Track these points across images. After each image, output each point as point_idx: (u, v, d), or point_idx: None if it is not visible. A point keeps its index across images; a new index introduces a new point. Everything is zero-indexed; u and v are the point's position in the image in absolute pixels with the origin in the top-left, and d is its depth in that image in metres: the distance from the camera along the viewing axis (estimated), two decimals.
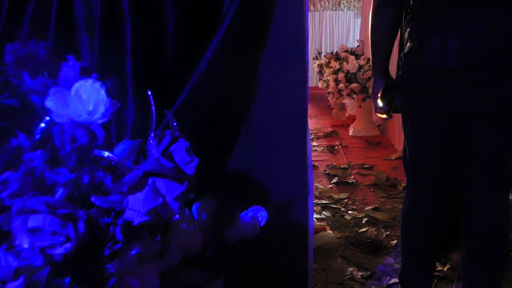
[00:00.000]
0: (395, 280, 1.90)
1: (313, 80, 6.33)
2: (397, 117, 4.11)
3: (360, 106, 4.43)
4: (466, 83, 1.35)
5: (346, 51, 4.81)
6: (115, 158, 0.69)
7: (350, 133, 4.49)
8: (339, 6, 8.00)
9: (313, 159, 1.36)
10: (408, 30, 1.44)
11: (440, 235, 1.61)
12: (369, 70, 4.20)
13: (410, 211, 1.61)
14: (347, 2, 7.92)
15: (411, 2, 1.44)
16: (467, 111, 1.38)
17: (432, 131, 1.47)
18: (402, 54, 1.48)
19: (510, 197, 1.61)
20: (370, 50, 1.57)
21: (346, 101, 4.74)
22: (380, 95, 1.55)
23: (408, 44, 1.44)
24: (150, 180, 0.66)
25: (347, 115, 5.00)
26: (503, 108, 1.35)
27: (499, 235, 1.48)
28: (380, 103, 1.56)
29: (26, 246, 0.60)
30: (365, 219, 2.51)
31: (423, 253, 1.62)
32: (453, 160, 1.50)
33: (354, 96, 4.37)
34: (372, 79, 1.61)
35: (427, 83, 1.40)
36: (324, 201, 2.77)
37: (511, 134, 1.39)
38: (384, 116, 1.60)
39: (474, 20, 1.30)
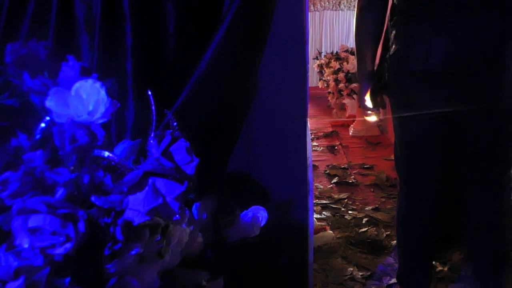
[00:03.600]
0: (395, 280, 1.90)
1: (313, 80, 6.33)
2: None
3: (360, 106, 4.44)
4: (453, 87, 1.35)
5: (346, 51, 4.81)
6: (115, 158, 0.69)
7: (350, 133, 4.49)
8: (339, 6, 8.00)
9: (313, 159, 1.37)
10: (393, 32, 1.45)
11: (436, 235, 1.62)
12: None
13: (404, 212, 1.61)
14: (347, 2, 7.92)
15: (395, 3, 1.44)
16: (455, 112, 1.39)
17: (422, 132, 1.48)
18: (387, 56, 1.48)
19: None
20: (355, 53, 1.58)
21: (346, 101, 4.74)
22: (367, 97, 1.56)
23: (394, 46, 1.44)
24: (150, 180, 0.66)
25: (347, 115, 5.00)
26: (491, 109, 1.36)
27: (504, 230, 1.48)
28: (368, 105, 1.57)
29: (26, 246, 0.60)
30: (365, 219, 2.51)
31: (419, 253, 1.62)
32: (446, 160, 1.51)
33: (354, 96, 4.38)
34: (358, 82, 1.61)
35: (414, 86, 1.41)
36: (324, 201, 2.76)
37: (503, 128, 1.39)
38: (374, 118, 1.61)
39: (460, 24, 1.31)
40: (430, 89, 1.38)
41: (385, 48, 1.51)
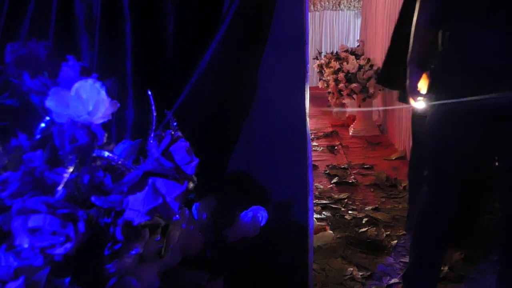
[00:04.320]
0: (395, 280, 1.91)
1: (313, 80, 6.33)
2: (397, 117, 4.08)
3: (360, 106, 4.43)
4: (503, 82, 1.36)
5: (346, 51, 4.81)
6: (115, 158, 0.69)
7: (350, 133, 4.49)
8: (339, 6, 7.99)
9: (313, 159, 1.37)
10: (448, 27, 1.46)
11: (452, 233, 1.64)
12: (369, 70, 4.20)
13: (428, 209, 1.61)
14: (347, 2, 7.91)
15: None
16: (502, 109, 1.40)
17: (468, 129, 1.48)
18: (442, 50, 1.49)
19: None
20: (412, 38, 1.58)
21: (346, 101, 4.73)
22: (420, 84, 1.57)
23: (449, 42, 1.45)
24: (150, 180, 0.66)
25: (347, 115, 4.99)
26: None
27: None
28: (419, 92, 1.58)
29: (26, 246, 0.60)
30: (365, 219, 2.51)
31: (435, 252, 1.63)
32: (479, 160, 1.52)
33: (354, 96, 4.37)
34: (408, 70, 1.61)
35: (464, 78, 1.42)
36: (324, 201, 2.76)
37: None
38: (422, 104, 1.61)
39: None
40: (485, 84, 1.39)
41: (436, 42, 1.53)
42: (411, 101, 1.62)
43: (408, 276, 1.69)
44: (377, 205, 2.70)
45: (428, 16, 1.51)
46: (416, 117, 2.17)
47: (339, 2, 7.96)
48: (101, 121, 0.69)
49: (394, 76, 2.13)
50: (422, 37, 1.55)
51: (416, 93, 1.59)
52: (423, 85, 1.58)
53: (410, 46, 1.59)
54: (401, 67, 1.95)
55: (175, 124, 0.73)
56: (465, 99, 1.41)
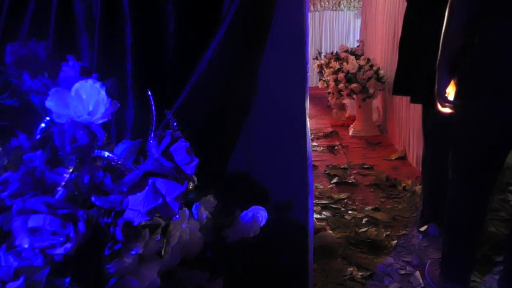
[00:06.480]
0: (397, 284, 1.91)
1: (313, 80, 6.33)
2: (397, 117, 4.07)
3: (360, 106, 4.43)
4: None
5: (346, 51, 4.81)
6: (115, 158, 0.69)
7: (350, 133, 4.49)
8: (339, 6, 7.99)
9: (313, 159, 1.36)
10: (485, 30, 1.46)
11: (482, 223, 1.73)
12: (369, 70, 4.20)
13: (461, 198, 1.67)
14: (347, 2, 7.91)
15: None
16: None
17: (503, 124, 1.50)
18: (478, 51, 1.49)
19: None
20: (441, 43, 1.56)
21: (346, 101, 4.73)
22: (448, 89, 1.56)
23: (487, 43, 1.45)
24: (150, 180, 0.66)
25: (347, 115, 4.99)
26: None
27: None
28: (448, 98, 1.57)
29: (26, 246, 0.60)
30: (365, 219, 2.51)
31: (468, 235, 1.71)
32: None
33: (354, 96, 4.37)
34: (438, 75, 1.59)
35: (503, 77, 1.43)
36: (324, 201, 2.76)
37: None
38: (449, 110, 1.61)
39: None
40: None
41: (471, 44, 1.52)
42: (439, 106, 1.61)
43: (443, 263, 1.75)
44: (377, 205, 2.70)
45: (464, 17, 1.47)
46: (431, 120, 2.14)
47: (339, 2, 7.96)
48: (101, 121, 0.69)
49: (407, 82, 2.15)
50: (454, 41, 1.52)
51: (445, 98, 1.57)
52: (451, 90, 1.57)
53: (440, 51, 1.56)
54: (412, 73, 1.96)
55: (175, 124, 0.73)
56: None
